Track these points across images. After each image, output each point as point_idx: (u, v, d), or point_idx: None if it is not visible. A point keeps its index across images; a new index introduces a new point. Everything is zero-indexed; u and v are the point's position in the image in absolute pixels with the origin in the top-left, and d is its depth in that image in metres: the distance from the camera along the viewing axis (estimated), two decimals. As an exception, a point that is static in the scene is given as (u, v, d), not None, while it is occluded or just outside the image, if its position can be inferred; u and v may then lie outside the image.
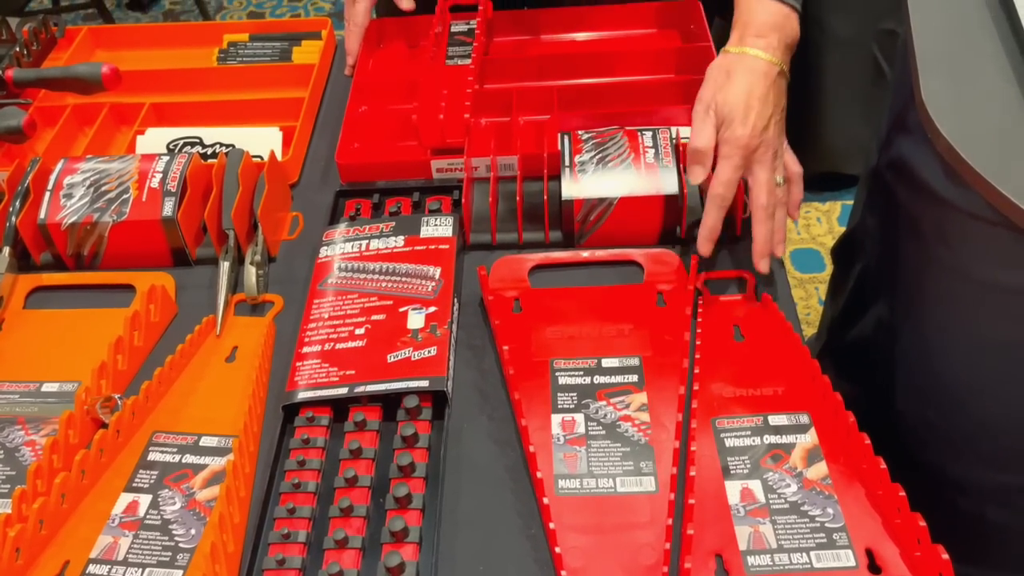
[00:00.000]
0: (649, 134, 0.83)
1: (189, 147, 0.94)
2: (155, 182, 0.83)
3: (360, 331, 0.74)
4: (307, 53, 1.06)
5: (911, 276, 0.76)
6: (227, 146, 0.93)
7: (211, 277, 0.82)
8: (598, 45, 1.05)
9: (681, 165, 0.80)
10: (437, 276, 0.77)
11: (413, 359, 0.71)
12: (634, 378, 0.71)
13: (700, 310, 0.76)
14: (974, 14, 0.66)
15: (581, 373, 0.72)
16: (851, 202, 2.01)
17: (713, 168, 0.76)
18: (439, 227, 0.82)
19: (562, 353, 0.73)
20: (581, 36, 1.06)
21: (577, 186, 0.80)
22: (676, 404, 0.68)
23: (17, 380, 0.74)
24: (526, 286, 0.80)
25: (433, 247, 0.80)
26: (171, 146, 0.94)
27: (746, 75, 0.76)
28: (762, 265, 0.75)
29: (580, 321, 0.76)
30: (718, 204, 0.74)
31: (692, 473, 0.62)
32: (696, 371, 0.70)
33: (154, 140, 0.94)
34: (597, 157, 0.81)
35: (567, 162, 0.81)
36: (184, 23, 1.15)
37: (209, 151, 0.93)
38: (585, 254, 0.81)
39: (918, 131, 0.68)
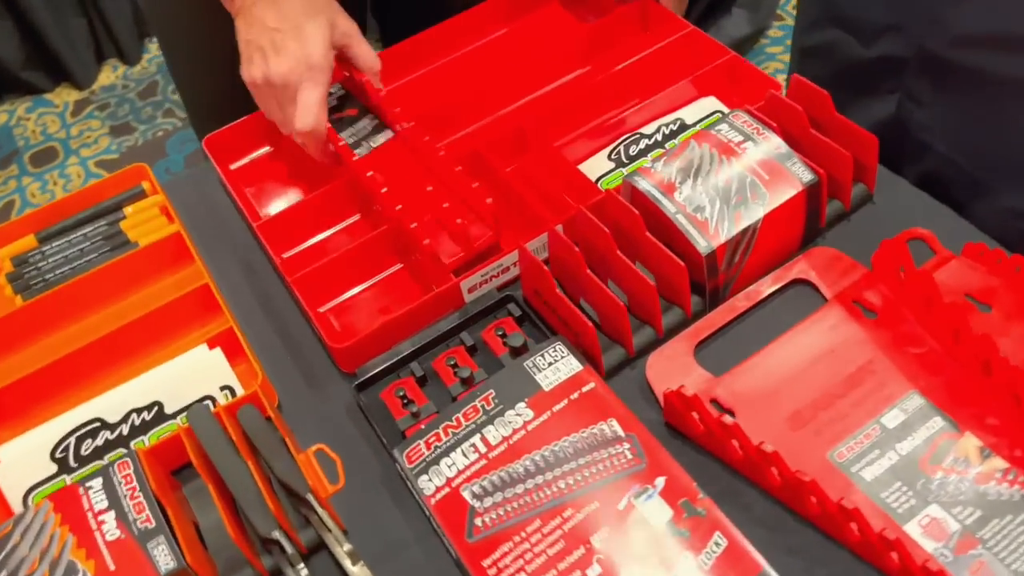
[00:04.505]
0: (724, 127, 0.63)
1: (93, 440, 0.58)
2: (110, 530, 0.49)
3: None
4: (145, 223, 0.71)
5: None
6: (151, 413, 0.59)
7: (280, 615, 0.50)
8: (521, 55, 0.79)
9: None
10: (620, 430, 0.52)
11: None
12: (938, 422, 0.53)
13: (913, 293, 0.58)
14: None
15: (876, 451, 0.52)
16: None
17: None
18: (557, 363, 0.56)
19: (831, 438, 0.53)
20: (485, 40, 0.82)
21: (708, 232, 0.58)
22: (1018, 424, 0.51)
23: None
24: (704, 374, 0.57)
25: (575, 394, 0.55)
26: (61, 455, 0.58)
27: None
28: None
29: (808, 384, 0.56)
30: None
31: None
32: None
33: (25, 461, 0.57)
34: (700, 190, 0.60)
35: (672, 209, 0.59)
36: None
37: (128, 430, 0.58)
38: (744, 301, 0.61)
39: None
